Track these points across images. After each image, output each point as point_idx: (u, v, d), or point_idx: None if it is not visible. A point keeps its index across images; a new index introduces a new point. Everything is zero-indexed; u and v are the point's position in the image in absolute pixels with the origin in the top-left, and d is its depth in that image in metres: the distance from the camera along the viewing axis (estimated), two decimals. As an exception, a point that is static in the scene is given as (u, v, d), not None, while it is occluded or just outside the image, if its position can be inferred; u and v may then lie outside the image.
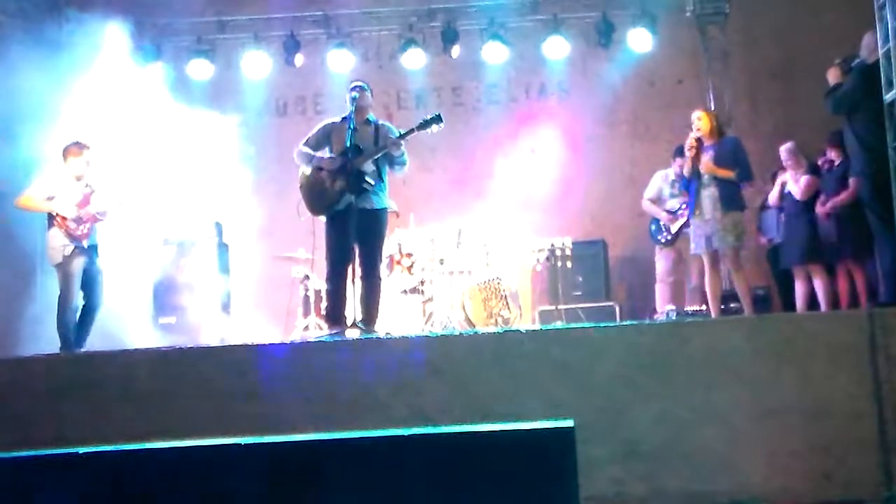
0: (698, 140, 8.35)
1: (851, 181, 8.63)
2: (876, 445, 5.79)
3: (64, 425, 6.01)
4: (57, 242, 8.45)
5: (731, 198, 8.18)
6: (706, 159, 8.27)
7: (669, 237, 9.56)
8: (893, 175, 7.11)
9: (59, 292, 8.50)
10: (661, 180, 9.75)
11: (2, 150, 9.61)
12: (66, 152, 8.64)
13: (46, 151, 9.26)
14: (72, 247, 8.41)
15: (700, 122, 8.45)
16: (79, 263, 8.44)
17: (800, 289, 9.25)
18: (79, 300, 8.56)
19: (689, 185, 8.44)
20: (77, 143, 8.70)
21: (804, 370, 5.92)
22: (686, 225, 9.35)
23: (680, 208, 9.44)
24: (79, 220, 8.46)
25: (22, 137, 9.59)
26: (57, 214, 8.45)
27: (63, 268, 8.43)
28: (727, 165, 8.19)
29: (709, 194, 8.22)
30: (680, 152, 9.58)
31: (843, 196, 8.74)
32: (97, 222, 8.62)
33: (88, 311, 8.63)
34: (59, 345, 8.47)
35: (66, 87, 10.06)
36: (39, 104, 9.79)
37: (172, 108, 10.97)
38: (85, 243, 8.49)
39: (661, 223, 9.63)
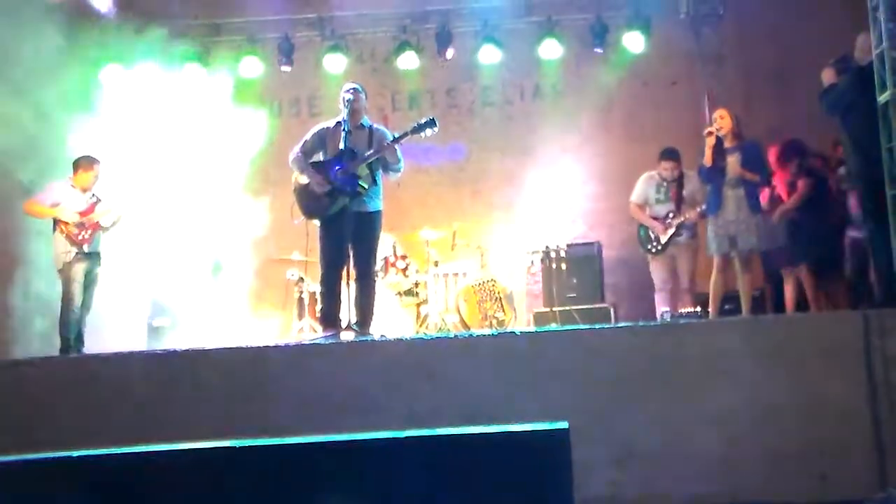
0: (716, 137, 8.46)
1: (799, 184, 8.99)
2: (871, 446, 5.80)
3: (60, 427, 6.01)
4: (60, 248, 8.80)
5: (756, 200, 8.38)
6: (733, 161, 8.39)
7: (659, 247, 9.49)
8: (887, 176, 7.11)
9: (62, 296, 8.68)
10: (647, 184, 9.69)
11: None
12: (76, 165, 9.00)
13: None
14: (73, 252, 8.68)
15: (722, 120, 8.58)
16: (80, 268, 8.72)
17: (789, 291, 9.30)
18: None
19: (709, 178, 8.56)
20: (88, 157, 9.06)
21: (800, 371, 5.93)
22: (677, 234, 9.36)
23: (667, 216, 9.42)
24: (80, 226, 8.70)
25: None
26: (60, 220, 8.61)
27: (64, 272, 8.77)
28: (753, 169, 8.35)
29: (735, 195, 8.37)
30: (666, 155, 9.61)
31: (791, 201, 8.95)
32: (99, 230, 8.81)
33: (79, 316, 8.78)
34: (58, 347, 8.73)
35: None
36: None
37: (166, 112, 10.96)
38: (86, 248, 8.70)
39: (650, 232, 9.56)
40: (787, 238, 8.92)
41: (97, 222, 8.85)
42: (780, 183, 9.20)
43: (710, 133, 8.52)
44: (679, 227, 9.32)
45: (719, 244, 8.47)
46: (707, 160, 8.51)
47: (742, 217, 8.35)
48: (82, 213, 8.78)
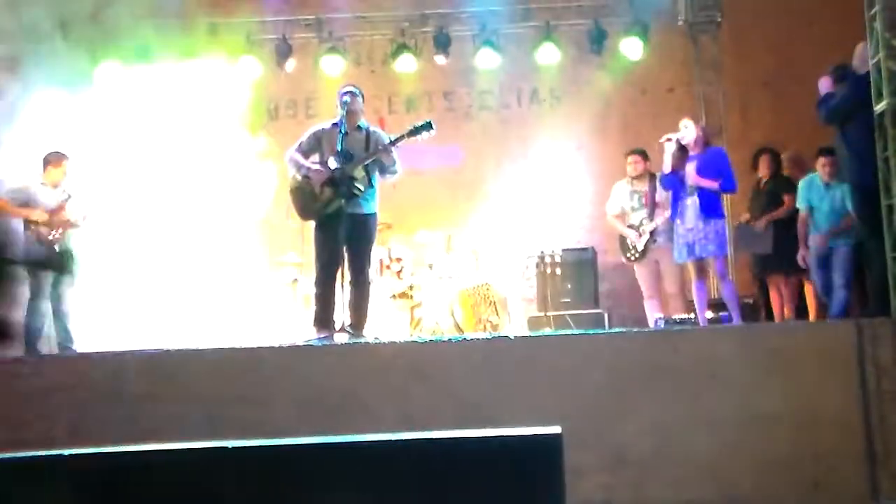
0: (678, 144, 8.47)
1: (786, 198, 9.05)
2: (864, 454, 5.81)
3: (52, 427, 5.99)
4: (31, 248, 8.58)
5: (711, 207, 8.33)
6: (690, 169, 8.41)
7: (637, 255, 9.51)
8: (883, 185, 7.12)
9: (29, 296, 8.58)
10: (620, 194, 9.71)
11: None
12: (45, 161, 8.87)
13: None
14: (44, 251, 8.51)
15: (686, 129, 8.58)
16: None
17: (776, 298, 9.35)
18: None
19: (666, 185, 8.62)
20: (57, 153, 8.94)
21: (793, 379, 5.93)
22: (652, 240, 9.38)
23: (641, 224, 9.45)
24: (50, 225, 8.56)
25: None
26: (29, 219, 8.55)
27: (34, 272, 8.53)
28: (710, 176, 8.34)
29: (692, 203, 8.38)
30: (632, 150, 9.69)
31: (780, 211, 9.00)
32: (70, 228, 8.72)
33: (57, 315, 8.69)
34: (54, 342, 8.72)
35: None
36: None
37: (161, 111, 10.94)
38: (56, 248, 8.57)
39: (628, 241, 9.59)
40: (773, 246, 8.98)
41: (68, 220, 8.75)
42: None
43: (668, 139, 8.55)
44: (652, 232, 9.36)
45: (679, 251, 8.56)
46: (665, 167, 8.57)
47: (700, 226, 8.35)
48: (52, 212, 8.65)
